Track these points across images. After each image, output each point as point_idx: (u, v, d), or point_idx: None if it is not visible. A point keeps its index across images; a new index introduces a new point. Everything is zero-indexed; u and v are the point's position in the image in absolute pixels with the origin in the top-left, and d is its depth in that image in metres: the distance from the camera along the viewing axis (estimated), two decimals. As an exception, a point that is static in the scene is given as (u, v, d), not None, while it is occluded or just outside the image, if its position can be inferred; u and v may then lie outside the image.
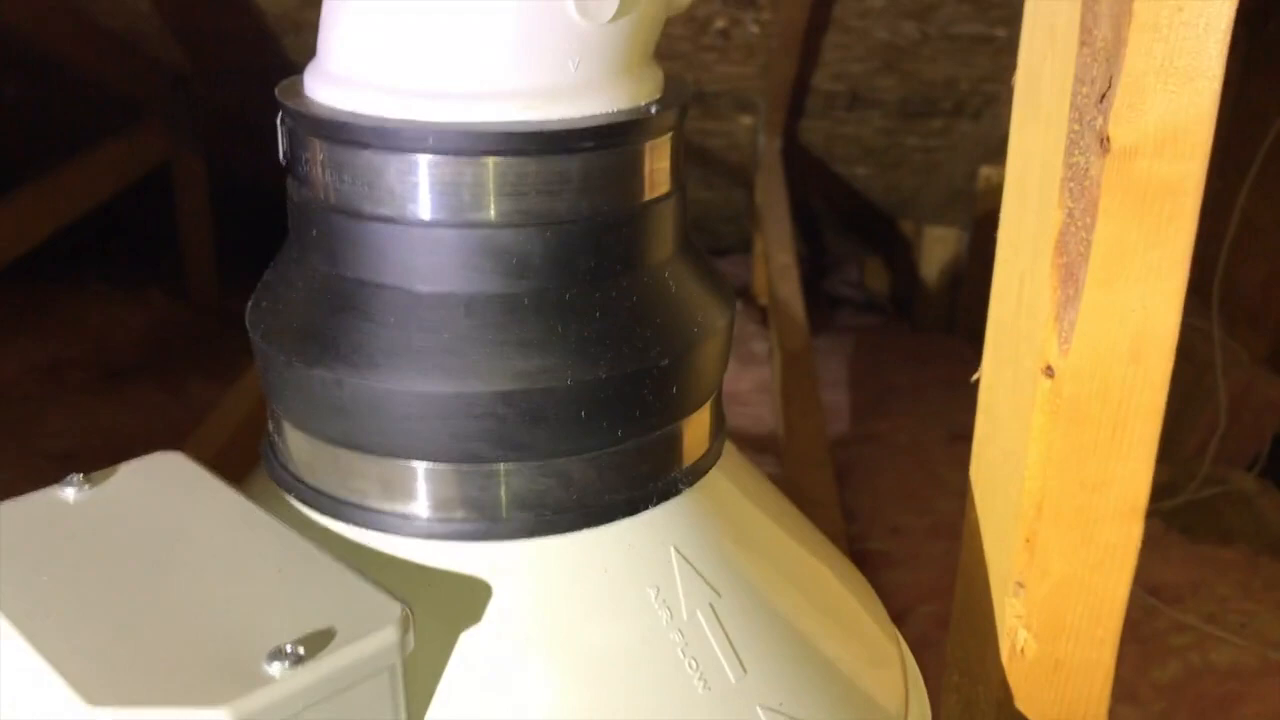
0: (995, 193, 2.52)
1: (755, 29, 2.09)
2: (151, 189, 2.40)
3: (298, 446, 0.48)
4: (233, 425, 1.56)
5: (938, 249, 2.79)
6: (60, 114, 2.55)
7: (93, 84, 2.32)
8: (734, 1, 2.00)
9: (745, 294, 2.55)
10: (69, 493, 0.49)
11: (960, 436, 1.95)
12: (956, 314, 2.73)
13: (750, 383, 2.02)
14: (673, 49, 2.14)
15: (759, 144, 2.45)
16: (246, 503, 0.48)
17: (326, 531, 0.48)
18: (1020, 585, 0.59)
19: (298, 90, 0.47)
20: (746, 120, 2.44)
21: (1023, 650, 0.60)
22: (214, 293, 2.55)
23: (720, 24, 2.07)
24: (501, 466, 0.45)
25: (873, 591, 0.59)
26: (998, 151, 2.47)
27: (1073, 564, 0.58)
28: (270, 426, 0.50)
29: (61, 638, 0.41)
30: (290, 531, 0.46)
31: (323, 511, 0.47)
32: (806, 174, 2.56)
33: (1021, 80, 0.59)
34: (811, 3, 1.98)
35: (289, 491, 0.49)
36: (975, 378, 0.66)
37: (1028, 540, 0.58)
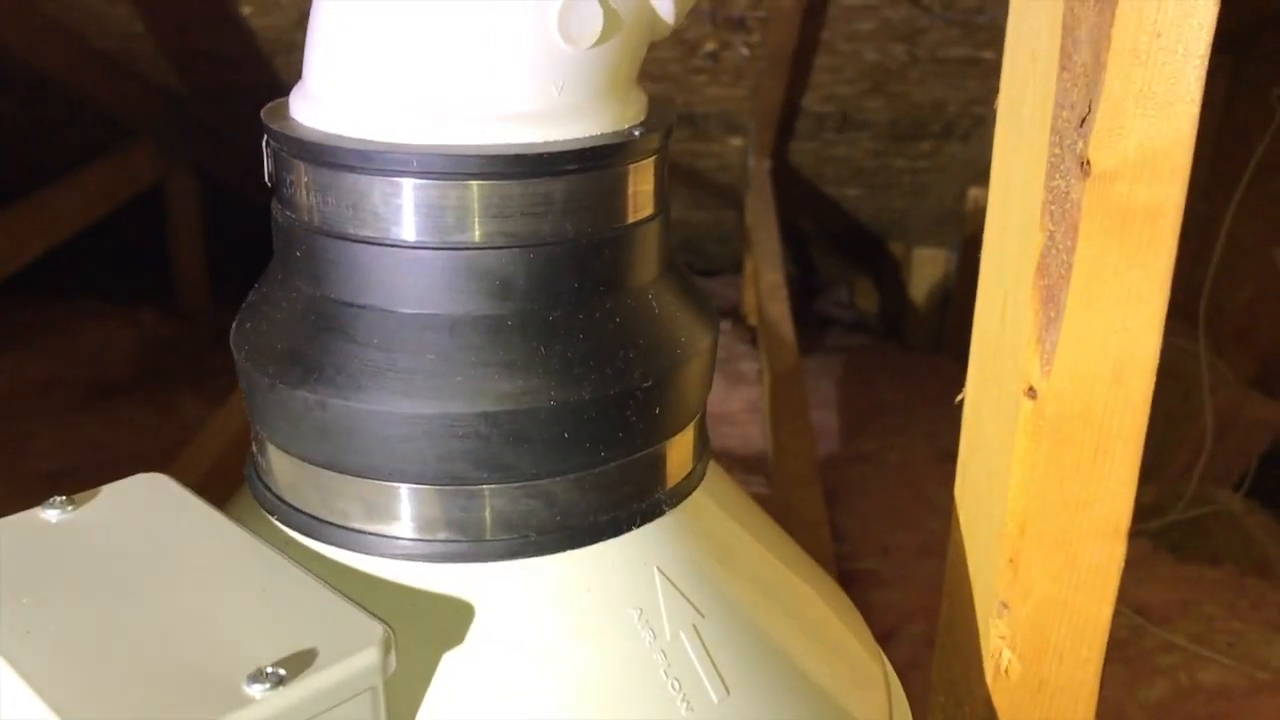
0: (983, 214, 2.53)
1: (745, 51, 2.10)
2: (144, 208, 2.41)
3: (280, 467, 0.48)
4: (221, 445, 1.56)
5: (927, 269, 2.80)
6: (53, 133, 2.56)
7: (86, 103, 2.32)
8: (724, 24, 2.01)
9: (735, 314, 2.56)
10: (51, 514, 0.49)
11: (950, 456, 1.95)
12: (945, 334, 2.74)
13: (740, 402, 2.02)
14: (663, 71, 2.15)
15: (749, 165, 2.46)
16: (229, 524, 0.48)
17: (308, 552, 0.48)
18: (1004, 605, 0.59)
19: (283, 113, 0.48)
20: (736, 142, 2.45)
21: (1007, 671, 0.60)
22: (206, 311, 2.56)
23: (710, 46, 2.08)
24: (485, 488, 0.45)
25: (857, 612, 0.59)
26: (986, 173, 2.47)
27: (1056, 584, 0.58)
28: (254, 448, 0.50)
29: (42, 660, 0.41)
30: (273, 552, 0.46)
31: (305, 532, 0.47)
32: (796, 195, 2.57)
33: (1004, 104, 0.60)
34: (801, 25, 2.00)
35: (272, 512, 0.49)
36: (959, 399, 0.67)
37: (1011, 560, 0.58)
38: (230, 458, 1.52)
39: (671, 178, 0.50)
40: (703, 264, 2.90)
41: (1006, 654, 0.59)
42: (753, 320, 2.37)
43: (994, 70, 2.30)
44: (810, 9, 1.97)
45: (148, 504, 0.50)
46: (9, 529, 0.48)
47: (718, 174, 2.59)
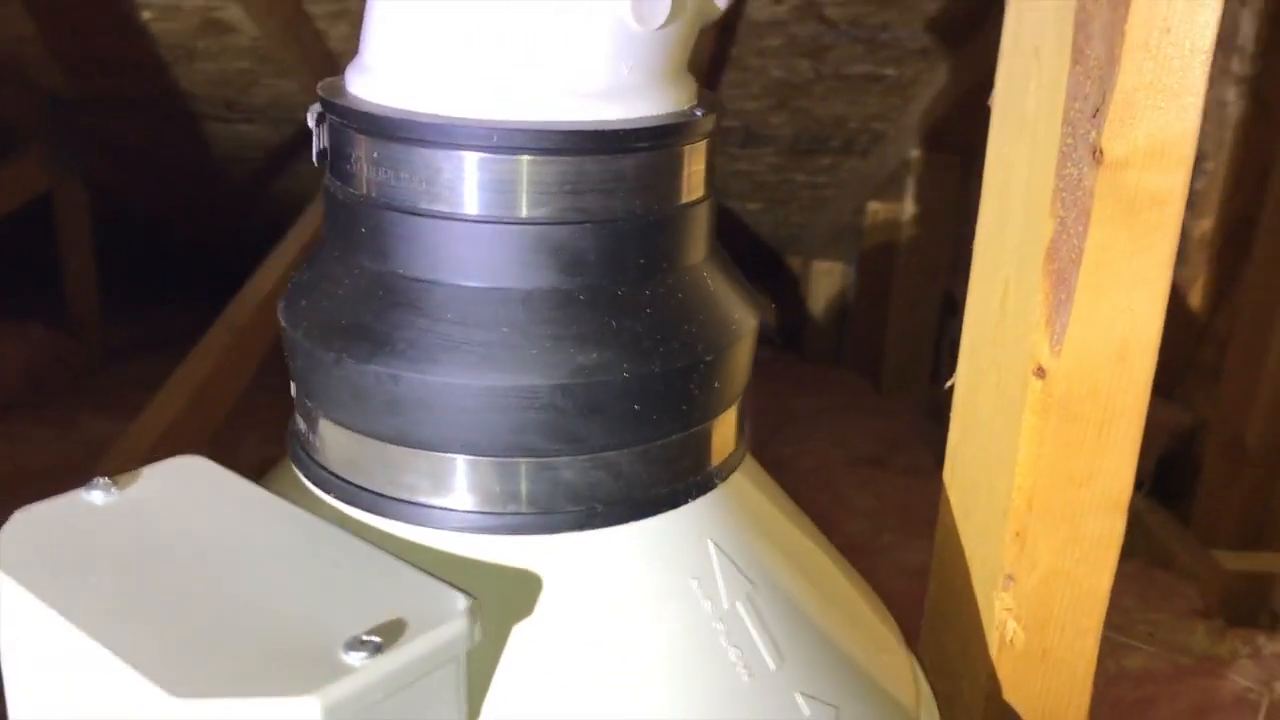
0: (881, 228, 2.60)
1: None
2: (32, 218, 2.32)
3: (340, 444, 0.48)
4: (139, 460, 1.51)
5: (825, 283, 2.86)
6: (-68, 140, 2.45)
7: (-31, 109, 2.24)
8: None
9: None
10: (96, 495, 0.48)
11: (861, 460, 2.00)
12: (844, 346, 2.80)
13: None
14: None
15: (656, 178, 2.48)
16: (283, 502, 0.47)
17: (368, 528, 0.47)
18: (1010, 578, 0.61)
19: (341, 89, 0.48)
20: (644, 155, 2.47)
21: (1012, 641, 0.62)
22: (97, 325, 2.47)
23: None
24: (556, 460, 0.46)
25: (872, 590, 0.61)
26: (885, 187, 2.55)
27: (1060, 557, 0.61)
28: (302, 426, 0.50)
29: (130, 637, 0.40)
30: (337, 528, 0.46)
31: (367, 508, 0.47)
32: (701, 208, 2.60)
33: (1002, 99, 0.62)
34: (712, 40, 2.03)
35: (326, 489, 0.48)
36: (949, 384, 0.69)
37: (1018, 534, 0.60)
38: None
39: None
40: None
41: (1011, 625, 0.62)
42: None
43: (895, 87, 2.34)
44: (722, 25, 2.01)
45: (194, 484, 0.49)
46: (58, 512, 0.47)
47: (622, 188, 2.60)
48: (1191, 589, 1.45)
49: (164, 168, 2.66)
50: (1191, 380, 1.87)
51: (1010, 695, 0.63)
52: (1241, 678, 1.22)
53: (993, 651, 0.63)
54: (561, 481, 0.46)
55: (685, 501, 0.49)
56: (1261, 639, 1.31)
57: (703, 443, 0.50)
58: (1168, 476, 1.79)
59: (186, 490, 0.49)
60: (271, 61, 2.09)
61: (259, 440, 1.90)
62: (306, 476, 0.49)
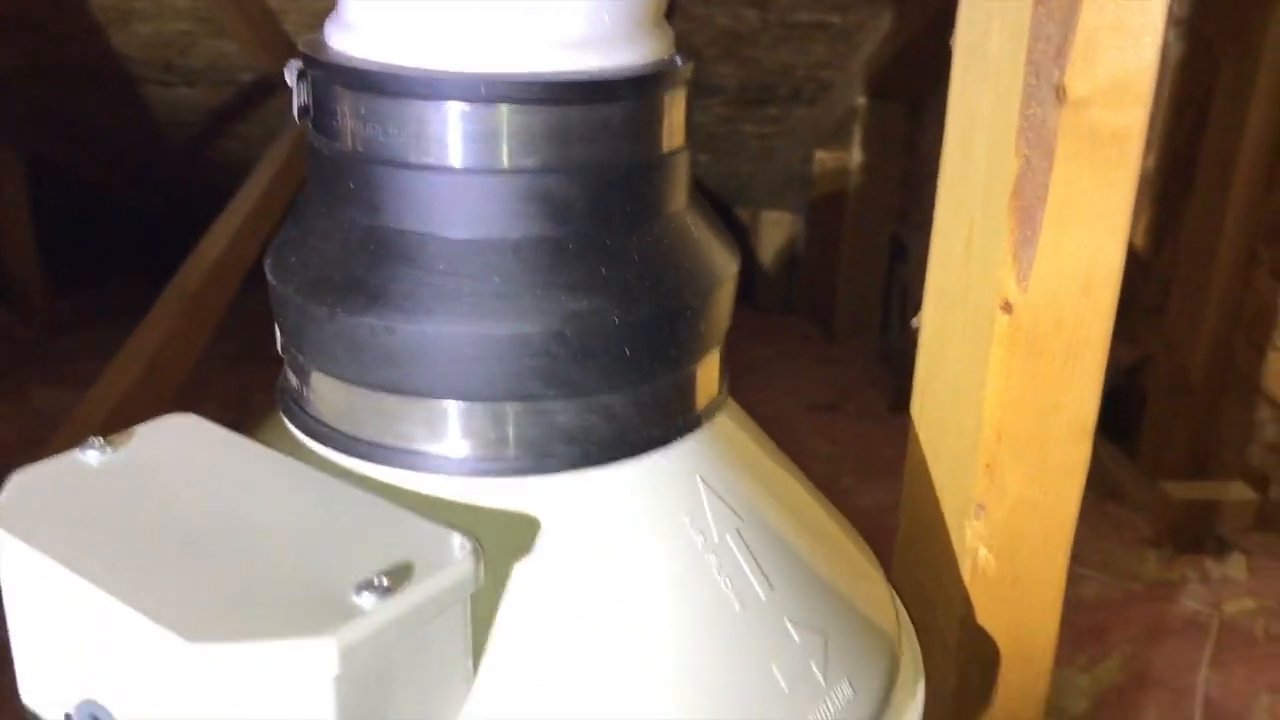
0: (829, 177, 2.62)
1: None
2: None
3: (334, 396, 0.49)
4: (94, 430, 1.50)
5: (774, 233, 2.88)
6: None
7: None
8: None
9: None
10: (91, 455, 0.48)
11: (816, 406, 2.03)
12: (794, 294, 2.83)
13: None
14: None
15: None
16: (279, 454, 0.48)
17: (366, 478, 0.48)
18: (981, 508, 0.63)
19: (322, 44, 0.48)
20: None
21: (984, 568, 0.64)
22: (41, 298, 2.44)
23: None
24: (552, 404, 0.47)
25: (847, 522, 0.63)
26: (832, 136, 2.57)
27: (1029, 486, 0.63)
28: (294, 381, 0.51)
29: (139, 587, 0.41)
30: (336, 478, 0.47)
31: (364, 457, 0.48)
32: (649, 161, 2.60)
33: (963, 41, 0.64)
34: (658, -9, 2.03)
35: (322, 441, 0.49)
36: (915, 322, 0.71)
37: (988, 465, 0.62)
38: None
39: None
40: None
41: (983, 552, 0.64)
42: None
43: (841, 34, 2.34)
44: (667, -25, 2.01)
45: (189, 440, 0.50)
46: (55, 472, 0.47)
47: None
48: (1140, 520, 1.50)
49: (103, 134, 2.61)
50: (1135, 316, 1.91)
51: (983, 619, 0.66)
52: (1191, 601, 1.27)
53: (965, 579, 0.65)
54: (556, 425, 0.47)
55: (675, 440, 0.50)
56: (1209, 563, 1.35)
57: (690, 384, 0.51)
58: (1114, 412, 1.83)
59: (182, 446, 0.49)
60: (210, 22, 2.06)
61: (216, 408, 1.89)
62: (300, 429, 0.50)
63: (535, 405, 0.47)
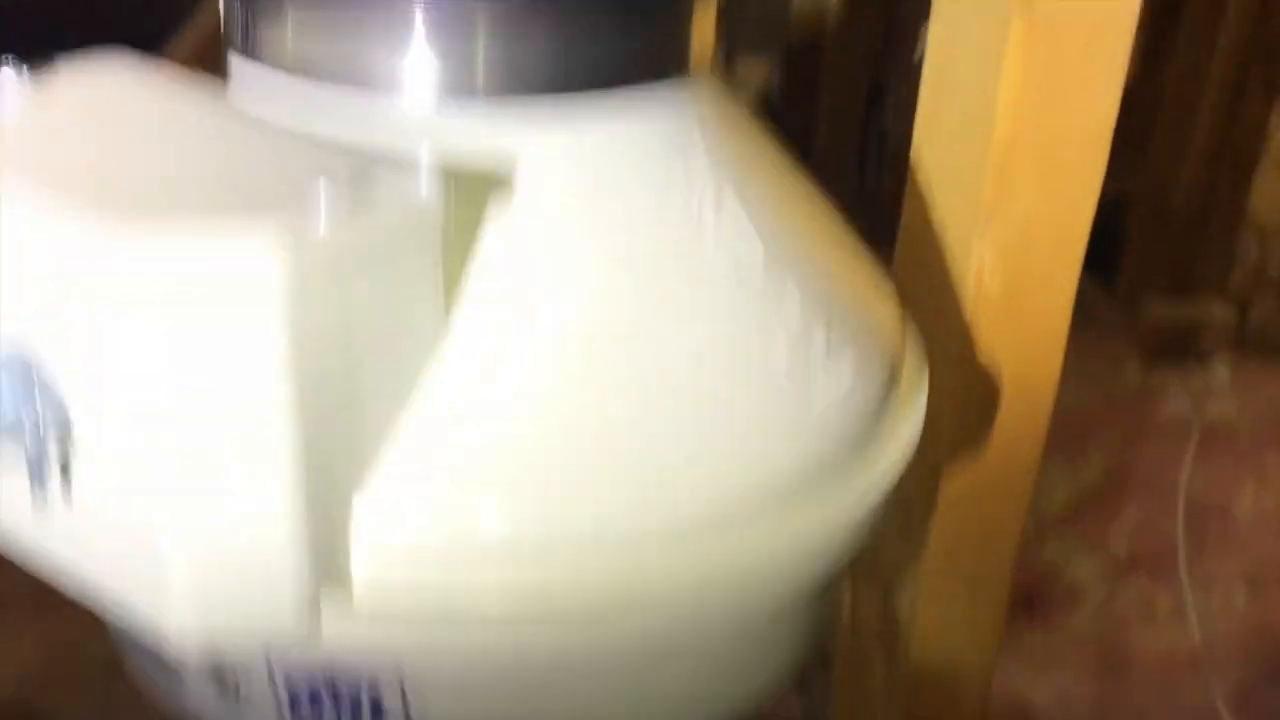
0: (807, 19, 2.54)
1: None
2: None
3: (285, 20, 0.43)
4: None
5: (751, 79, 2.80)
6: None
7: None
8: None
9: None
10: (6, 71, 0.43)
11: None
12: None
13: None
14: None
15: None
16: (219, 97, 0.43)
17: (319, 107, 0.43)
18: (989, 219, 0.59)
19: None
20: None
21: (988, 290, 0.61)
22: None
23: None
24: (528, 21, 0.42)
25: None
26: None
27: (1042, 196, 0.59)
28: (239, 12, 0.45)
29: (69, 194, 0.36)
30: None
31: (314, 77, 0.43)
32: None
33: None
34: None
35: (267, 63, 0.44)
36: (917, 58, 0.66)
37: (1000, 174, 0.58)
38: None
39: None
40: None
41: (989, 272, 0.60)
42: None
43: None
44: None
45: (120, 74, 0.44)
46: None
47: None
48: (1122, 342, 1.48)
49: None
50: (1117, 148, 1.87)
51: (985, 352, 0.62)
52: (1173, 405, 1.25)
53: (968, 305, 0.61)
54: (533, 50, 0.42)
55: (666, 76, 0.45)
56: (1192, 366, 1.34)
57: (680, 31, 0.46)
58: (1094, 245, 1.80)
59: (113, 79, 0.44)
60: None
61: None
62: (245, 56, 0.45)
63: (508, 8, 0.41)
